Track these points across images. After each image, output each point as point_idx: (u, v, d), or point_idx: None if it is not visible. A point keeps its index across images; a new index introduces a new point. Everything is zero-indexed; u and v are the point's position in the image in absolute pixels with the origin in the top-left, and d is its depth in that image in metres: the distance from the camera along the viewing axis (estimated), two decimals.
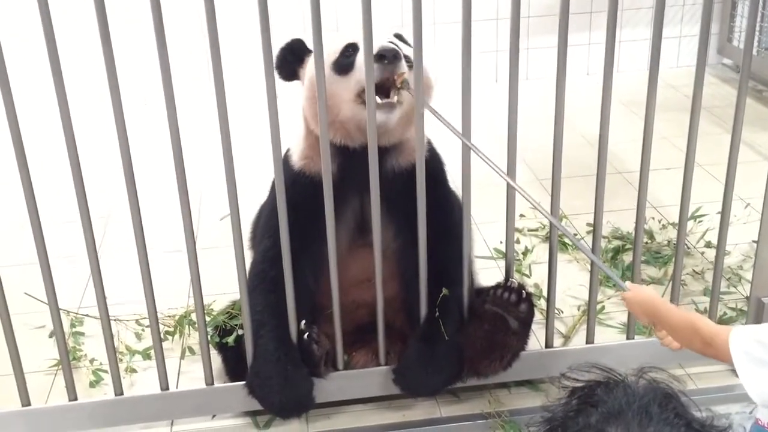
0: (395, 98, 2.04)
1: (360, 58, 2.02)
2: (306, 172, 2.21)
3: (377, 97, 1.98)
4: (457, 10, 1.97)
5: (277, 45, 1.96)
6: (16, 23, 3.44)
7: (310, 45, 2.03)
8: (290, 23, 4.11)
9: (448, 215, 2.19)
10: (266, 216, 2.20)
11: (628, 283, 1.80)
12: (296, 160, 2.24)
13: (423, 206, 2.08)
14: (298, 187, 2.16)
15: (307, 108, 2.16)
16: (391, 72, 2.01)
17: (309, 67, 2.11)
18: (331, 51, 2.11)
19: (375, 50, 1.96)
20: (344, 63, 2.07)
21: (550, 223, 2.26)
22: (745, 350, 1.51)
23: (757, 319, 2.34)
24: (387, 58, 1.98)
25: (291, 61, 2.15)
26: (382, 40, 2.05)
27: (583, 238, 3.04)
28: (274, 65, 2.11)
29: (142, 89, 3.96)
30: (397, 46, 2.05)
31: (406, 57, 2.05)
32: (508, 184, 2.13)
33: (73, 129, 1.96)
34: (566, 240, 3.05)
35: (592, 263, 2.30)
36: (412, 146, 2.12)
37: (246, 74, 4.24)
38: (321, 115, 1.98)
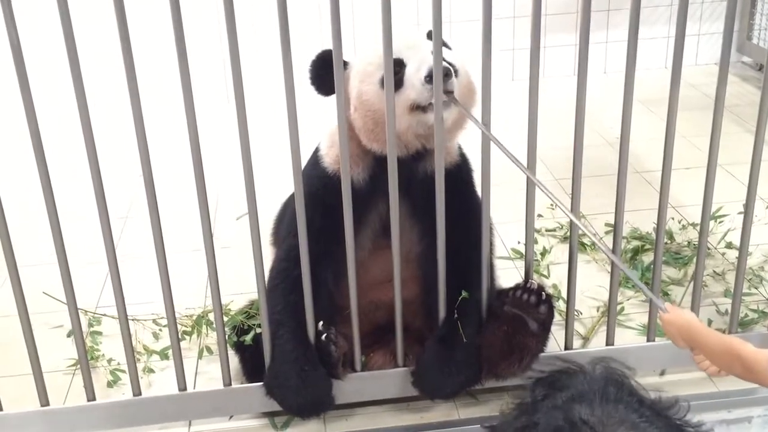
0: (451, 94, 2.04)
1: (408, 74, 2.06)
2: (340, 175, 2.19)
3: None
4: (473, 9, 1.95)
5: (296, 43, 1.94)
6: (37, 27, 3.45)
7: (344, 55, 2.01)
8: (307, 24, 4.12)
9: (473, 219, 2.17)
10: (292, 213, 2.17)
11: (667, 305, 1.72)
12: (329, 162, 2.22)
13: (442, 209, 2.09)
14: (330, 190, 2.14)
15: (358, 121, 2.13)
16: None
17: (353, 83, 2.11)
18: (374, 65, 2.09)
19: (425, 71, 2.01)
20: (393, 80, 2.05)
21: (570, 223, 2.24)
22: None
23: None
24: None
25: (326, 74, 2.03)
26: (426, 55, 2.04)
27: (602, 238, 3.02)
28: (309, 80, 2.13)
29: (161, 90, 3.96)
30: (444, 60, 2.03)
31: (451, 66, 2.04)
32: (528, 182, 2.11)
33: (93, 129, 1.96)
34: (585, 240, 3.03)
35: (613, 264, 2.28)
36: (447, 151, 2.14)
37: (266, 71, 4.25)
38: (341, 128, 2.00)
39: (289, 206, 2.35)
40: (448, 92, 2.01)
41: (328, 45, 1.97)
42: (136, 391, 2.24)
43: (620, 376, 1.19)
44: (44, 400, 2.21)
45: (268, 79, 4.31)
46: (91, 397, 2.23)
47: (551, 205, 3.18)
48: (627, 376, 1.20)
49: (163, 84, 3.80)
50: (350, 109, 2.14)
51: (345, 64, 2.14)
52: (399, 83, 2.07)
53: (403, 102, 2.07)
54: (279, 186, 2.41)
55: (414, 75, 2.05)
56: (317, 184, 2.20)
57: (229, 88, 1.95)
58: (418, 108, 2.07)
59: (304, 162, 2.23)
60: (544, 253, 3.00)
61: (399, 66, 2.07)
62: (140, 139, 1.97)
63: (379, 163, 2.14)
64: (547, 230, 3.17)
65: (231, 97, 1.96)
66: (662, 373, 2.40)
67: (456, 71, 2.08)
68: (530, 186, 2.16)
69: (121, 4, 1.84)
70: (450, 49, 2.22)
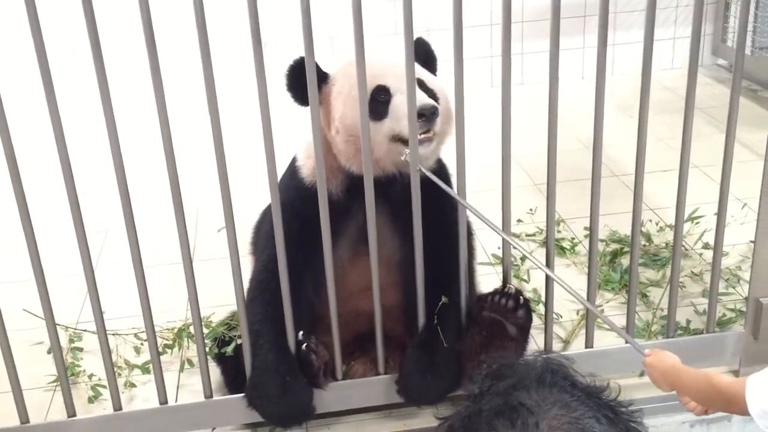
0: (432, 133, 2.09)
1: (393, 106, 2.08)
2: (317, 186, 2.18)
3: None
4: (450, 17, 1.97)
5: (268, 50, 1.94)
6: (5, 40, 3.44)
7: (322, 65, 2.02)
8: (283, 28, 4.12)
9: (451, 226, 2.18)
10: (270, 224, 2.15)
11: (648, 349, 1.69)
12: (307, 173, 2.23)
13: (418, 216, 2.11)
14: (307, 202, 2.13)
15: (339, 143, 2.14)
16: (425, 128, 2.06)
17: (336, 104, 2.12)
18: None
19: (416, 108, 2.01)
20: (377, 110, 2.09)
21: (547, 228, 2.26)
22: (762, 408, 1.46)
23: (756, 320, 2.32)
24: (426, 116, 2.03)
25: (303, 83, 1.98)
26: (419, 93, 2.04)
27: (580, 242, 3.04)
28: (286, 87, 2.12)
29: (136, 102, 3.96)
30: (431, 92, 2.11)
31: (433, 94, 2.10)
32: (503, 183, 2.14)
33: (66, 142, 1.96)
34: (564, 244, 3.05)
35: (590, 267, 2.30)
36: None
37: (242, 81, 4.25)
38: (316, 144, 2.02)
39: (267, 216, 2.35)
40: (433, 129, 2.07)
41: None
42: (117, 406, 2.23)
43: (557, 365, 1.30)
44: (24, 418, 2.20)
45: (245, 87, 4.32)
46: (72, 413, 2.22)
47: (530, 209, 3.21)
48: (564, 365, 1.31)
49: (139, 94, 3.80)
50: (331, 130, 2.15)
51: (325, 75, 2.15)
52: (383, 113, 2.09)
53: (385, 131, 2.10)
54: (258, 196, 2.41)
55: (401, 108, 2.05)
56: (294, 195, 2.21)
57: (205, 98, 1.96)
58: (400, 140, 2.09)
59: (281, 171, 2.25)
60: (524, 258, 3.02)
61: (385, 93, 2.10)
62: (115, 152, 1.97)
63: (356, 179, 2.14)
64: (527, 235, 3.18)
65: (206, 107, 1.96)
66: (641, 374, 2.41)
67: (437, 100, 2.12)
68: (506, 191, 2.18)
69: (92, 19, 1.84)
70: (431, 63, 2.24)
